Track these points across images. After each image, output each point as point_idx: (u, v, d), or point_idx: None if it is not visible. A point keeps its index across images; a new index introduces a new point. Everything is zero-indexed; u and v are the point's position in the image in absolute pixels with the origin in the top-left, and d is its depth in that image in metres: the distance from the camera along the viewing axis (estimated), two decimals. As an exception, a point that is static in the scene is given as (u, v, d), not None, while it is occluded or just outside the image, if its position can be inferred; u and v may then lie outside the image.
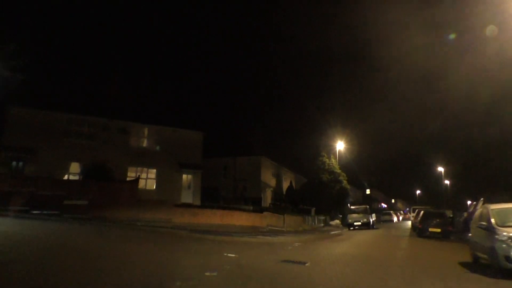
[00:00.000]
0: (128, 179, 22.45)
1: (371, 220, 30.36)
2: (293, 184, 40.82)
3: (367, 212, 30.43)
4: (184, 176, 25.87)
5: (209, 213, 18.96)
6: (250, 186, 34.37)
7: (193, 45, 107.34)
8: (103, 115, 23.21)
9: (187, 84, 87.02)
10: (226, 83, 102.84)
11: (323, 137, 39.11)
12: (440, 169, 54.39)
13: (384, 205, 78.47)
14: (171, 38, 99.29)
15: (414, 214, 27.18)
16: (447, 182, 57.00)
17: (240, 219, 20.07)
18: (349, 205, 39.46)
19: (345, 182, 36.65)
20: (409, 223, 47.38)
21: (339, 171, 36.70)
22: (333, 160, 36.99)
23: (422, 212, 20.96)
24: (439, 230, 18.91)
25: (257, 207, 25.63)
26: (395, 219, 50.83)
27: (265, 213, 21.92)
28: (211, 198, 27.48)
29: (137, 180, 20.80)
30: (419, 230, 19.93)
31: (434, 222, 19.20)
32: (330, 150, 37.83)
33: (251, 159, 35.28)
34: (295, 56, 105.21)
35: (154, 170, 24.63)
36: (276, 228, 21.37)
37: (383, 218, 46.01)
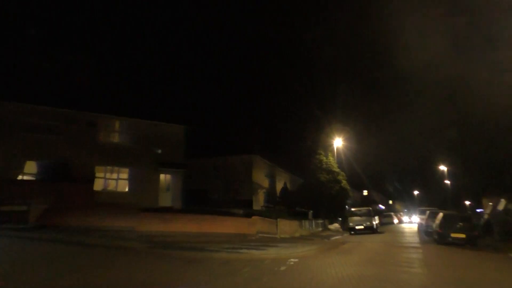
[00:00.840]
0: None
1: (374, 224, 27.36)
2: (288, 185, 37.75)
3: (370, 215, 27.41)
4: (162, 176, 22.58)
5: (185, 219, 15.60)
6: (241, 187, 31.21)
7: (179, 31, 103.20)
8: (67, 106, 19.93)
9: (172, 75, 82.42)
10: (215, 75, 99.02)
11: (320, 134, 35.93)
12: (443, 168, 52.08)
13: (382, 207, 75.79)
14: (155, 21, 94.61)
15: (425, 217, 23.95)
16: (447, 182, 54.72)
17: (224, 225, 16.75)
18: (347, 207, 36.53)
19: (344, 182, 33.50)
20: (403, 225, 45.87)
21: (337, 170, 33.62)
22: (330, 158, 33.90)
23: (441, 214, 17.77)
24: (463, 235, 15.79)
25: (247, 211, 22.46)
26: (395, 221, 50.50)
27: (254, 217, 18.59)
28: (200, 201, 24.77)
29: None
30: (438, 236, 16.76)
31: (457, 226, 16.09)
32: (327, 147, 34.77)
33: (242, 158, 32.25)
34: (299, 55, 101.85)
35: (127, 170, 21.34)
36: (268, 236, 18.15)
37: (384, 220, 44.12)
